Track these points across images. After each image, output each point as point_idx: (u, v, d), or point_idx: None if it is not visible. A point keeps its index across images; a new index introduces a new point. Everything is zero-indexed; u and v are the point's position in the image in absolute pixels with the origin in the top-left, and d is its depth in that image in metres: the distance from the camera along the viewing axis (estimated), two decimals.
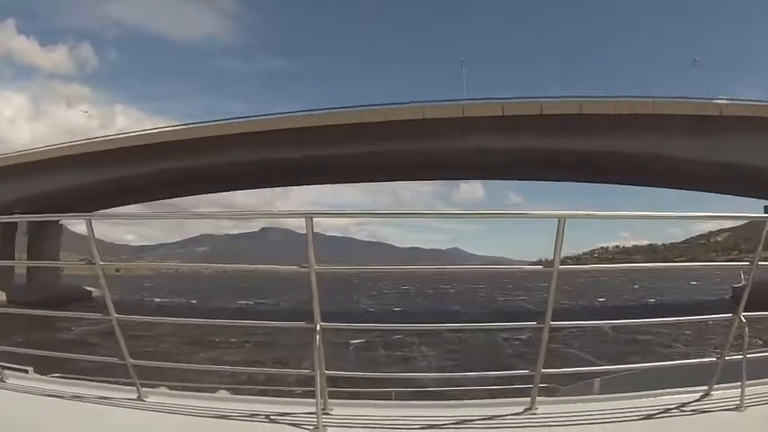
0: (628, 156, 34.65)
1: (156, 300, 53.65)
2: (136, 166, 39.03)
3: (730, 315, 2.58)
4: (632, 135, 32.78)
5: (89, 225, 2.55)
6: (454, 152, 37.13)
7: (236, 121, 40.31)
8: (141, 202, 47.62)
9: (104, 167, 38.97)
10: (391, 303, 50.96)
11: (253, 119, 39.98)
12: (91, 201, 43.13)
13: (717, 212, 3.09)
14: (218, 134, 38.29)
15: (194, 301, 53.50)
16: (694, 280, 77.28)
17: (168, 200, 49.26)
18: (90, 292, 43.61)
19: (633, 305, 45.18)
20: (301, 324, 2.87)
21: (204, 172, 40.66)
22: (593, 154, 35.21)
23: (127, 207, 46.79)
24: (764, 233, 2.42)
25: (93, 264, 2.63)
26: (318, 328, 2.42)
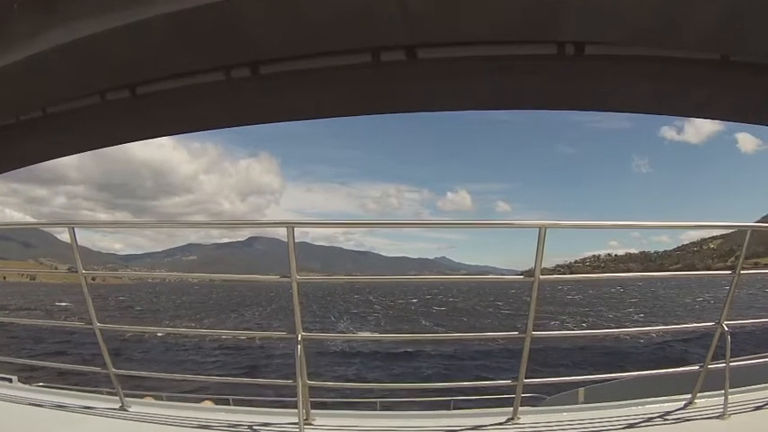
0: None
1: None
2: None
3: (713, 324, 2.59)
4: None
5: (72, 233, 2.51)
6: None
7: None
8: None
9: None
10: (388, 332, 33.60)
11: None
12: None
13: (702, 222, 3.07)
14: None
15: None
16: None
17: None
18: None
19: None
20: (282, 334, 2.85)
21: None
22: None
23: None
24: (746, 243, 2.45)
25: (76, 272, 2.59)
26: (300, 338, 2.40)
